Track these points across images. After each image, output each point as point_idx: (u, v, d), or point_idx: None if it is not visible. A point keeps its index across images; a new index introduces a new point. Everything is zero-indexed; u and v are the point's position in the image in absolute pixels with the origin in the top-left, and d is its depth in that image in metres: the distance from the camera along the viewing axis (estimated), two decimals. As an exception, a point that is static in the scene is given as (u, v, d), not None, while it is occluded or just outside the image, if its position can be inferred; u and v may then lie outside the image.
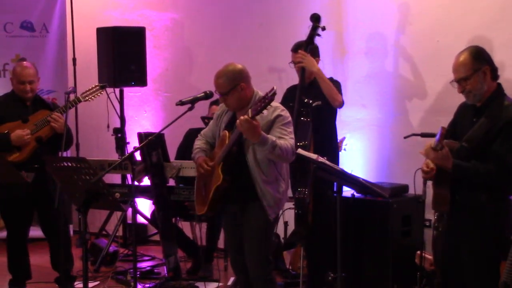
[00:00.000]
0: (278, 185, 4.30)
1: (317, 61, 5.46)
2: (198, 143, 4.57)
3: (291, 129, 4.29)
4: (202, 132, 4.64)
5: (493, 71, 3.82)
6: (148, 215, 7.14)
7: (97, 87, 5.61)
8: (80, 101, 5.52)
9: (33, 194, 5.46)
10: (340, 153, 5.70)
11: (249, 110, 4.05)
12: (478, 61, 3.80)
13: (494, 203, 3.77)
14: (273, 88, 3.98)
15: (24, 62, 5.74)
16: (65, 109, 5.41)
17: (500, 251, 3.86)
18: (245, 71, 4.34)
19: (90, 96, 5.59)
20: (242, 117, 4.04)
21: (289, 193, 5.64)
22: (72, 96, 5.54)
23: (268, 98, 3.96)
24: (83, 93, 5.57)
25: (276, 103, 4.28)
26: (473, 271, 3.85)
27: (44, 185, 5.42)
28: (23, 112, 5.49)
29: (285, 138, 4.18)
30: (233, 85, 4.25)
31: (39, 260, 5.93)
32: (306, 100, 5.29)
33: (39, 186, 5.42)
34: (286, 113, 4.30)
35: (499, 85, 3.86)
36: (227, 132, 4.30)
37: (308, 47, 5.38)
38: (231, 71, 4.30)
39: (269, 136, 4.12)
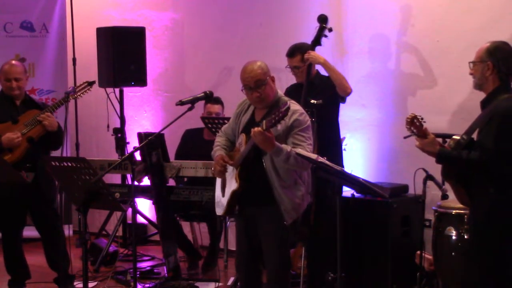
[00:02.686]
0: (296, 189, 4.24)
1: None
2: (219, 140, 4.53)
3: (309, 134, 4.23)
4: (222, 128, 4.61)
5: (499, 72, 3.90)
6: (148, 215, 7.15)
7: (85, 84, 5.61)
8: (69, 99, 5.49)
9: (25, 194, 5.46)
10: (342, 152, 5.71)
11: (264, 122, 4.02)
12: (488, 55, 3.92)
13: (502, 196, 3.80)
14: (287, 103, 3.97)
15: (13, 61, 5.74)
16: (56, 108, 5.43)
17: (507, 247, 3.88)
18: None
19: (79, 93, 5.59)
20: (256, 129, 4.01)
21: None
22: (72, 96, 5.54)
23: (282, 113, 3.92)
24: (69, 91, 5.55)
25: (295, 106, 4.26)
26: (478, 264, 3.86)
27: (36, 185, 5.42)
28: (13, 111, 5.47)
29: (302, 146, 4.14)
30: (268, 75, 4.26)
31: (38, 260, 5.93)
32: (311, 101, 5.29)
33: (31, 185, 5.41)
34: (304, 117, 4.24)
35: (505, 82, 3.92)
36: (244, 135, 4.26)
37: (315, 48, 5.39)
38: (262, 63, 4.31)
39: (284, 146, 4.09)
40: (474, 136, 3.90)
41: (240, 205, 4.38)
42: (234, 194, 4.26)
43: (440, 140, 4.09)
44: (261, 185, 4.20)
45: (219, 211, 4.46)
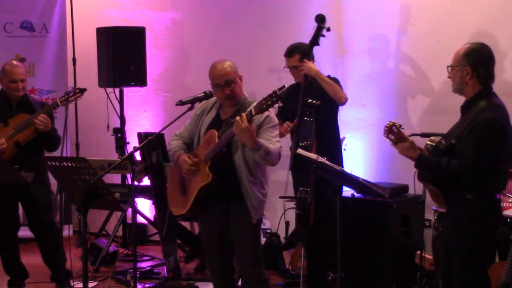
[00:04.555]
0: (262, 187, 4.28)
1: (312, 63, 5.46)
2: (176, 143, 4.49)
3: (277, 131, 4.28)
4: (177, 132, 4.57)
5: (478, 76, 3.84)
6: (148, 215, 7.15)
7: (77, 90, 5.51)
8: (58, 106, 5.41)
9: (16, 194, 5.46)
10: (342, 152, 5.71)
11: (252, 108, 4.00)
12: (466, 59, 3.85)
13: (480, 202, 3.80)
14: (284, 86, 3.94)
15: (14, 61, 5.70)
16: (49, 110, 5.37)
17: (486, 250, 3.89)
18: None
19: (71, 100, 5.46)
20: (238, 119, 3.98)
21: (291, 193, 5.67)
22: (73, 100, 5.53)
23: (278, 96, 3.90)
24: (61, 97, 5.48)
25: None
26: (459, 269, 3.86)
27: (27, 186, 5.39)
28: (7, 112, 5.45)
29: (272, 141, 4.16)
30: (237, 74, 4.28)
31: (37, 259, 5.92)
32: (309, 101, 5.29)
33: (23, 186, 5.39)
34: (274, 116, 4.30)
35: (486, 87, 3.87)
36: (215, 131, 4.24)
37: (313, 48, 5.38)
38: (231, 62, 4.30)
39: (262, 141, 4.09)
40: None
41: (206, 204, 4.32)
42: (203, 188, 4.20)
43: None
44: (230, 182, 4.19)
45: (179, 210, 4.40)
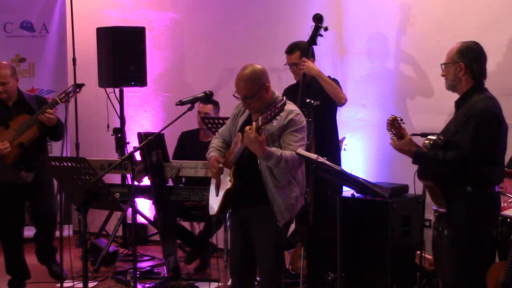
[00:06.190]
0: (290, 190, 4.21)
1: (312, 62, 5.46)
2: (215, 141, 4.51)
3: (303, 135, 4.20)
4: (220, 130, 4.59)
5: (472, 72, 3.91)
6: (148, 215, 7.15)
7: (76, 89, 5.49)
8: (58, 103, 5.40)
9: (24, 193, 5.49)
10: (341, 152, 5.71)
11: (259, 118, 3.98)
12: (459, 55, 3.94)
13: (479, 194, 3.83)
14: (283, 99, 3.95)
15: (4, 62, 5.69)
16: (50, 107, 5.37)
17: (485, 246, 3.91)
18: (266, 71, 4.26)
19: (70, 97, 5.46)
20: (248, 129, 3.97)
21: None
22: (72, 96, 5.53)
23: (278, 109, 3.90)
24: (60, 94, 5.48)
25: (291, 106, 4.21)
26: (457, 264, 3.87)
27: (36, 181, 5.42)
28: (5, 113, 5.46)
29: (293, 146, 4.10)
30: (259, 86, 4.16)
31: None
32: (307, 101, 5.28)
33: (28, 184, 5.41)
34: (300, 118, 4.20)
35: (478, 82, 3.94)
36: (240, 134, 4.21)
37: (311, 47, 5.38)
38: (255, 72, 4.19)
39: (274, 150, 4.05)
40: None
41: (234, 206, 4.35)
42: (227, 192, 4.23)
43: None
44: (255, 185, 4.17)
45: (212, 210, 4.42)
